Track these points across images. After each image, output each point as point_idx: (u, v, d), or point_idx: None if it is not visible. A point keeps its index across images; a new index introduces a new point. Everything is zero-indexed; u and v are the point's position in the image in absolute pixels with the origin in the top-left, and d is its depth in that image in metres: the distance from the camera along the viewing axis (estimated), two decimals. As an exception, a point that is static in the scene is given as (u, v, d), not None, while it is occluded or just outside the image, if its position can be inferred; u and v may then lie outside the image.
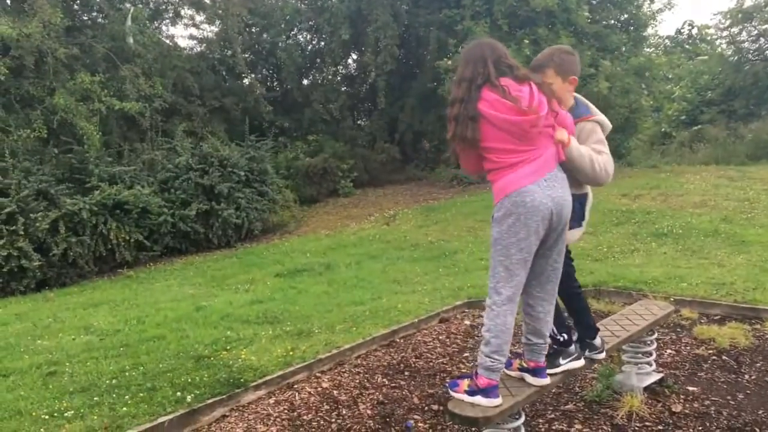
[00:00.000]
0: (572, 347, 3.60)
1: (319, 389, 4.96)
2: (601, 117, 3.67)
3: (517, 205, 3.05)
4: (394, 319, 6.42)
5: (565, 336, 3.60)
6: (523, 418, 3.44)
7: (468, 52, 3.26)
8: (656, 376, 4.50)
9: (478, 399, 3.16)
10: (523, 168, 3.07)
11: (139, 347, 5.99)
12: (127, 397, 4.69)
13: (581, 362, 3.62)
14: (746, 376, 4.69)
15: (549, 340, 3.46)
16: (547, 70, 3.48)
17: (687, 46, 25.21)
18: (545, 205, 3.06)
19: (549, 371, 3.47)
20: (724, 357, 5.07)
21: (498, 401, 3.16)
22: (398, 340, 6.07)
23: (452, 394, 3.31)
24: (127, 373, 5.22)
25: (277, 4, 21.84)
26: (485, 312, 3.24)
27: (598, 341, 3.76)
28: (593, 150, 3.43)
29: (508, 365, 3.54)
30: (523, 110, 3.03)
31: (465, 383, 3.27)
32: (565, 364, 3.55)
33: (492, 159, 3.15)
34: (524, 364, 3.45)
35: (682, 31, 24.64)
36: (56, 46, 13.02)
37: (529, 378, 3.42)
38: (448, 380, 5.00)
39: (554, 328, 3.55)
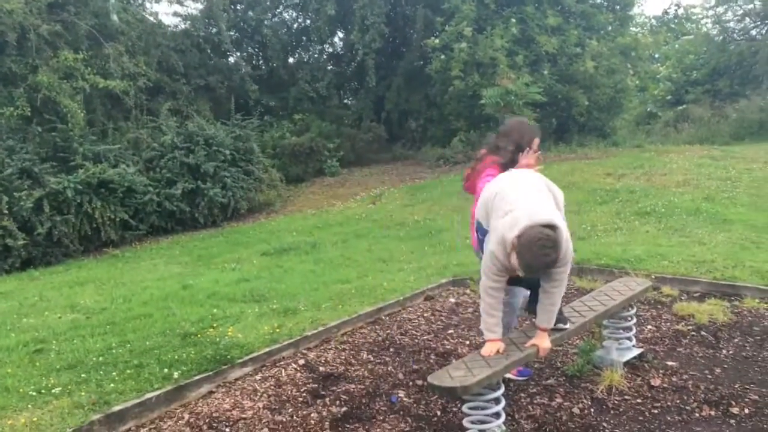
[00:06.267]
0: None
1: (306, 365, 5.01)
2: None
3: None
4: (380, 297, 6.48)
5: None
6: (502, 389, 3.52)
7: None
8: (636, 351, 4.60)
9: None
10: None
11: (126, 325, 6.02)
12: (114, 373, 4.72)
13: None
14: (724, 351, 4.80)
15: None
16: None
17: (673, 26, 25.22)
18: None
19: None
20: (702, 333, 5.18)
21: None
22: (384, 318, 6.13)
23: None
24: (113, 351, 5.25)
25: (263, -19, 21.61)
26: None
27: None
28: None
29: None
30: None
31: None
32: None
33: None
34: None
35: (668, 11, 24.63)
36: (39, 22, 12.85)
37: None
38: (432, 356, 5.08)
39: None
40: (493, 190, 3.75)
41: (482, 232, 3.81)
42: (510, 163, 4.09)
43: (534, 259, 3.32)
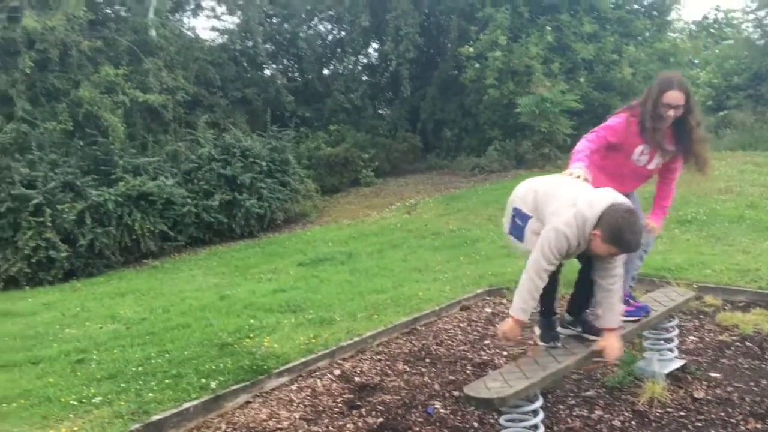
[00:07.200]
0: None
1: (341, 376, 5.01)
2: None
3: None
4: (416, 307, 6.45)
5: None
6: (540, 401, 3.46)
7: None
8: (678, 363, 4.49)
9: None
10: None
11: (165, 335, 6.10)
12: (153, 383, 4.78)
13: None
14: (770, 363, 4.66)
15: None
16: None
17: (713, 30, 24.69)
18: None
19: None
20: (747, 343, 5.04)
21: None
22: (419, 328, 6.10)
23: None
24: (153, 361, 5.32)
25: (298, -6, 21.81)
26: None
27: None
28: None
29: None
30: None
31: None
32: None
33: None
34: None
35: (708, 16, 24.14)
36: (80, 39, 13.20)
37: None
38: (469, 367, 5.03)
39: None
40: (532, 185, 3.72)
41: (522, 218, 3.68)
42: (639, 105, 3.91)
43: (633, 235, 3.30)
